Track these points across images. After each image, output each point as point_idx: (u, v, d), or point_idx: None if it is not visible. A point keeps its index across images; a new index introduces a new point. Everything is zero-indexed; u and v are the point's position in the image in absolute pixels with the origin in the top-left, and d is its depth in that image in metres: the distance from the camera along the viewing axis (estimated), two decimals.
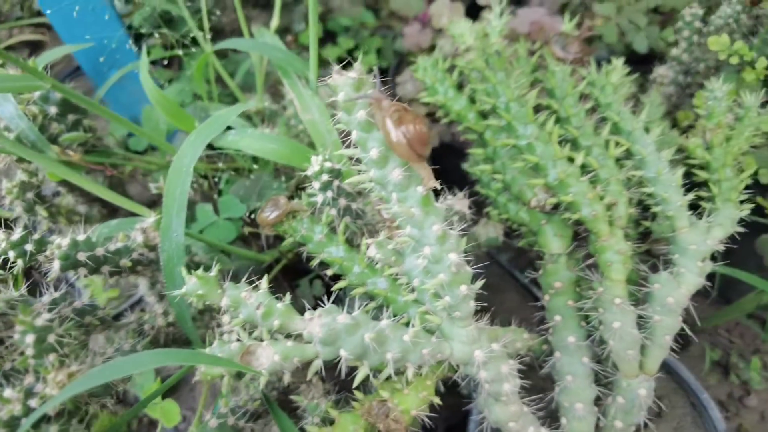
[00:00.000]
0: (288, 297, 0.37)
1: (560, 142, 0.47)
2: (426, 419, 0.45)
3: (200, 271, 0.36)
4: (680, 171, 0.44)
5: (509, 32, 0.66)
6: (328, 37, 0.86)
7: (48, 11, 0.63)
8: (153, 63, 0.88)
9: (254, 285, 0.36)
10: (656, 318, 0.41)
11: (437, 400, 0.38)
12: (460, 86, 0.54)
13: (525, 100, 0.46)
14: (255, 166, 0.59)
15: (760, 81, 0.66)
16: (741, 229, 0.46)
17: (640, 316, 0.42)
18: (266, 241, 0.61)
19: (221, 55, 0.85)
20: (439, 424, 0.58)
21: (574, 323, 0.43)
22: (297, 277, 0.64)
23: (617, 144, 0.45)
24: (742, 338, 0.81)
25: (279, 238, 0.52)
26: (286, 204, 0.44)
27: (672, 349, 0.80)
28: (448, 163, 0.65)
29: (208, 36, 0.61)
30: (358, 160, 0.35)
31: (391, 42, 0.86)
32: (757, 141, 0.54)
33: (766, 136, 0.65)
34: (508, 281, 0.76)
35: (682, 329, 0.82)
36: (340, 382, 0.45)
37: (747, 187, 0.68)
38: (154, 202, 0.76)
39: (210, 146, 0.64)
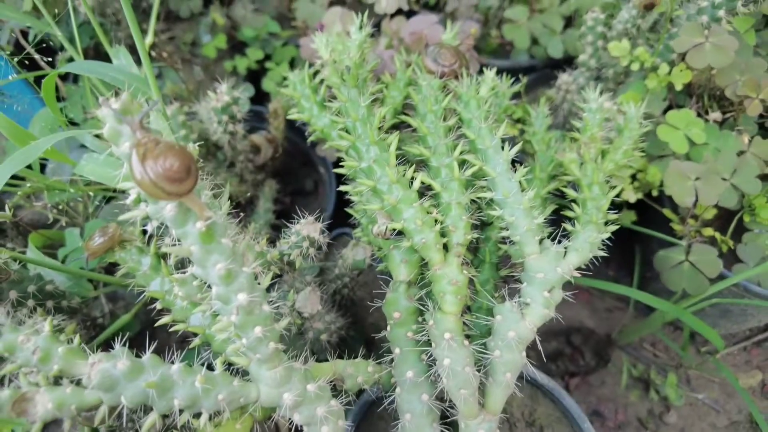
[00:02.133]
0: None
1: (416, 164, 0.45)
2: None
3: None
4: (530, 193, 0.41)
5: (392, 36, 0.64)
6: (240, 48, 0.84)
7: None
8: None
9: (35, 329, 0.34)
10: (496, 354, 0.38)
11: None
12: (327, 102, 0.52)
13: (372, 120, 0.44)
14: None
15: (665, 87, 0.64)
16: (603, 254, 0.43)
17: (481, 352, 0.39)
18: None
19: None
20: None
21: (414, 357, 0.40)
22: None
23: (464, 164, 0.43)
24: (666, 352, 0.78)
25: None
26: (115, 232, 0.42)
27: (589, 367, 0.77)
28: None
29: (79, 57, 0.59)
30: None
31: (298, 50, 0.83)
32: (637, 155, 0.51)
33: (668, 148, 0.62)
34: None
35: (602, 345, 0.79)
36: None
37: (656, 198, 0.66)
38: (50, 225, 0.74)
39: None
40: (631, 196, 0.62)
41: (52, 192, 0.54)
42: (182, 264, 0.43)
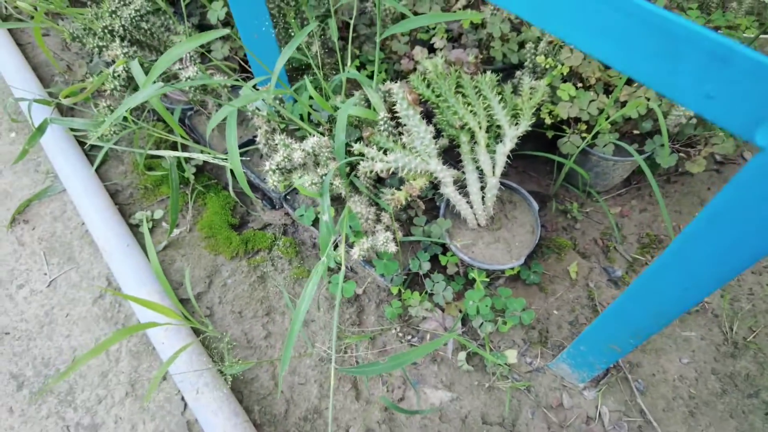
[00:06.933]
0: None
1: (463, 102, 1.30)
2: (423, 198, 1.28)
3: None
4: (504, 106, 1.27)
5: (448, 61, 1.50)
6: (361, 65, 1.68)
7: None
8: None
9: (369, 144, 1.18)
10: (497, 156, 1.23)
11: (427, 182, 1.20)
12: (428, 85, 1.36)
13: (451, 88, 1.29)
14: None
15: (560, 75, 1.50)
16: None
17: (492, 154, 1.24)
18: None
19: None
20: (427, 213, 1.40)
21: (471, 161, 1.25)
22: None
23: (484, 99, 1.28)
24: (576, 199, 1.65)
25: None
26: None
27: (539, 208, 1.63)
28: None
29: None
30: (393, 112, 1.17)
31: (392, 66, 1.68)
32: (548, 101, 1.37)
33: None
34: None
35: (543, 197, 1.65)
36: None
37: (559, 128, 1.51)
38: None
39: None
40: (548, 119, 1.48)
41: None
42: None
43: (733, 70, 0.51)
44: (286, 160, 1.06)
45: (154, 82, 1.03)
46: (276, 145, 1.07)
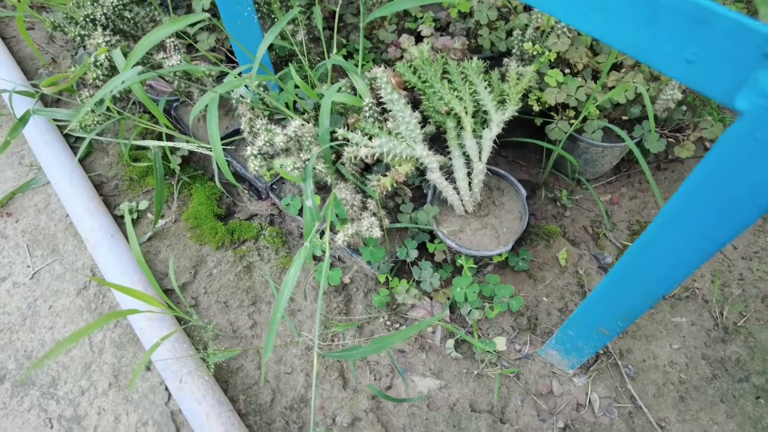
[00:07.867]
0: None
1: (449, 88, 1.28)
2: (410, 185, 1.27)
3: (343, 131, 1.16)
4: (490, 92, 1.25)
5: (435, 48, 1.48)
6: (349, 54, 1.67)
7: None
8: None
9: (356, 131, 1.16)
10: (483, 141, 1.22)
11: (414, 169, 1.18)
12: (415, 71, 1.35)
13: (437, 74, 1.28)
14: None
15: (547, 61, 1.48)
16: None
17: (478, 142, 1.23)
18: None
19: None
20: (415, 201, 1.39)
21: (458, 146, 1.23)
22: None
23: (470, 85, 1.27)
24: (566, 187, 1.63)
25: None
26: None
27: (527, 196, 1.62)
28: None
29: None
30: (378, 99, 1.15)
31: (380, 55, 1.67)
32: (535, 85, 1.36)
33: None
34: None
35: (533, 185, 1.64)
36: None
37: (548, 114, 1.50)
38: None
39: None
40: (536, 106, 1.47)
41: None
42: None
43: (714, 33, 0.49)
44: (267, 144, 1.05)
45: (135, 65, 1.01)
46: (258, 130, 1.06)
